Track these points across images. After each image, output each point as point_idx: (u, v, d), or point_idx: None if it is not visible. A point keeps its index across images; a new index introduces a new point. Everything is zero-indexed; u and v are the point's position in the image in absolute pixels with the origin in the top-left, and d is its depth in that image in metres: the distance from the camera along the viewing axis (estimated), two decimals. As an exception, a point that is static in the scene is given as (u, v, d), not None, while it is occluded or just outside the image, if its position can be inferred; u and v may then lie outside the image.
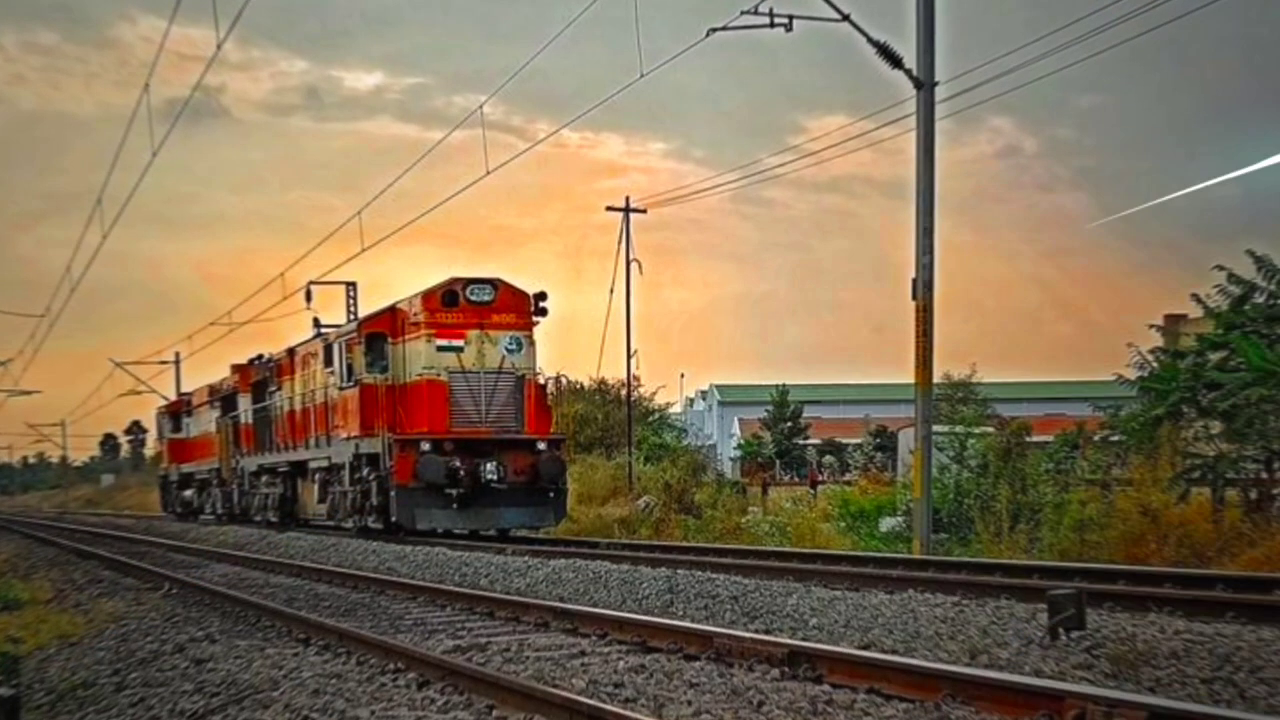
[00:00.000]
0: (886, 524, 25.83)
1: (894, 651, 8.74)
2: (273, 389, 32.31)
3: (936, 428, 21.24)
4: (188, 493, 44.31)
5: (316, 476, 28.48)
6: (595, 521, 28.80)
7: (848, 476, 48.20)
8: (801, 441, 73.40)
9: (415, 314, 24.50)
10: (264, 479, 33.24)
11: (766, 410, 75.36)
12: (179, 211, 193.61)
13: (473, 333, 24.16)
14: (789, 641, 8.66)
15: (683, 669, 8.35)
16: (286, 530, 29.37)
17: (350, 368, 25.62)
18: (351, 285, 33.80)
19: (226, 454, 37.31)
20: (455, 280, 24.43)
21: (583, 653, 9.35)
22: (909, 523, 21.65)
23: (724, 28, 19.81)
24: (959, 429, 25.63)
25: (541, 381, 25.00)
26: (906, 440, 27.53)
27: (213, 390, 40.33)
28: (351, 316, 31.07)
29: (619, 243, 37.71)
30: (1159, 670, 7.66)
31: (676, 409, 72.11)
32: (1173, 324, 24.12)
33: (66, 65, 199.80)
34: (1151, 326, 22.62)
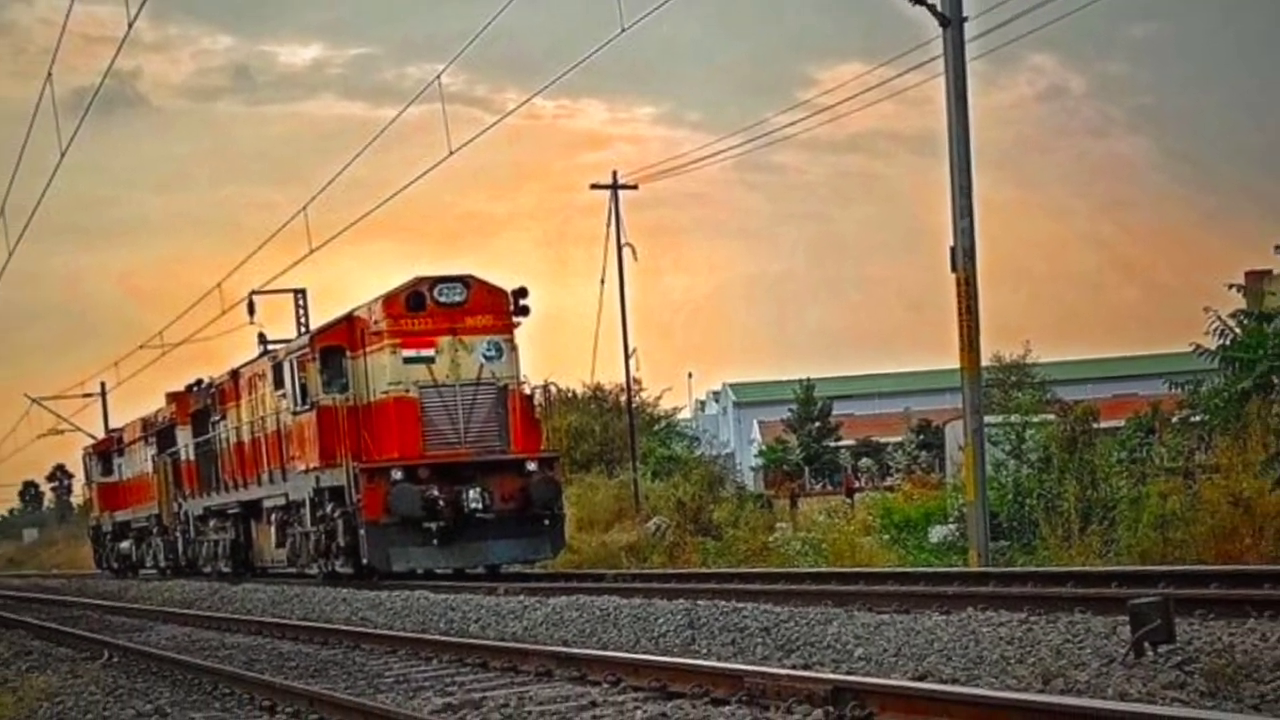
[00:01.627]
0: (937, 534, 25.85)
1: (954, 681, 8.74)
2: (216, 418, 32.34)
3: (988, 419, 21.27)
4: (124, 544, 44.31)
5: (273, 517, 28.49)
6: (599, 550, 28.82)
7: (889, 481, 48.30)
8: (833, 444, 73.52)
9: (376, 322, 24.50)
10: (212, 523, 33.26)
11: (790, 410, 75.47)
12: (96, 218, 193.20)
13: (444, 340, 24.15)
14: (832, 677, 8.66)
15: (710, 716, 8.36)
16: (241, 581, 29.40)
17: (304, 389, 25.62)
18: (300, 293, 33.92)
19: (167, 497, 37.33)
20: (421, 280, 24.43)
21: (593, 703, 9.35)
22: (963, 531, 21.67)
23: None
24: (1015, 419, 25.67)
25: (527, 391, 24.99)
26: (955, 435, 27.55)
27: (146, 424, 40.35)
28: (302, 329, 31.12)
29: (608, 225, 37.75)
30: (1263, 685, 7.66)
31: (686, 414, 72.32)
32: (1255, 282, 24.17)
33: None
34: (1231, 286, 22.70)
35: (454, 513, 23.17)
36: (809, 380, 75.25)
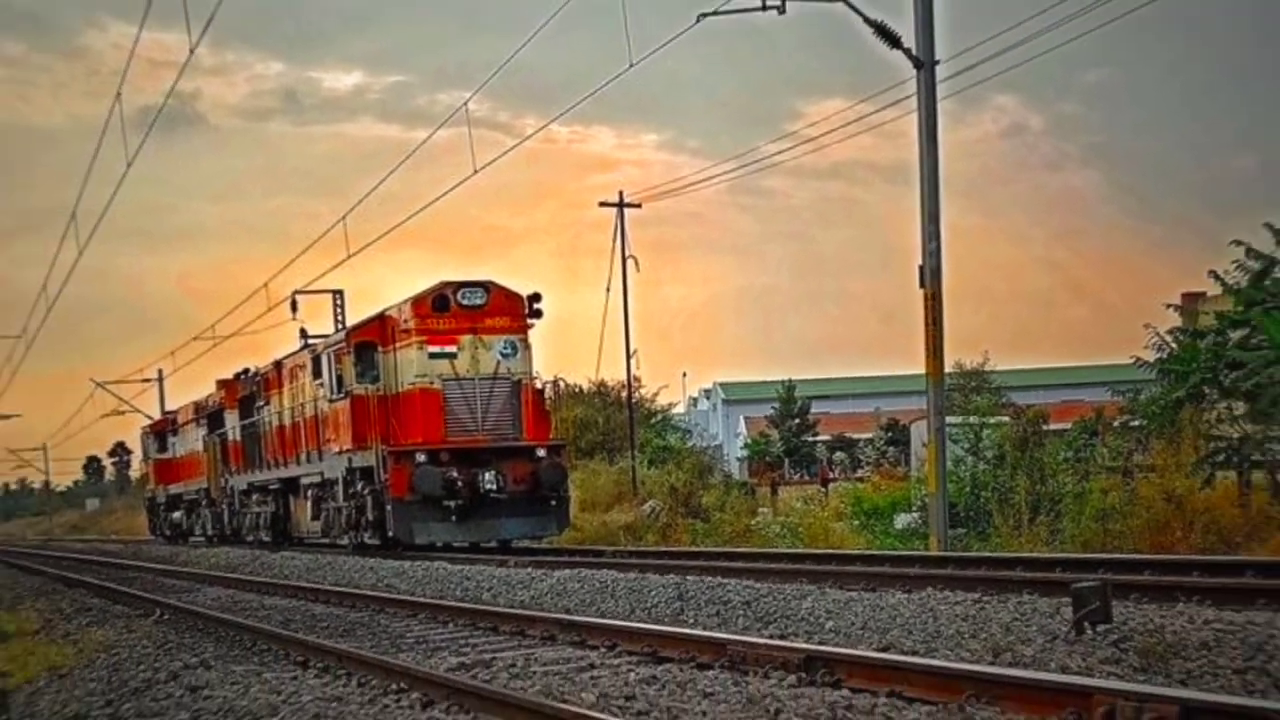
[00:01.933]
0: (901, 521, 25.83)
1: (914, 652, 8.75)
2: (260, 404, 32.32)
3: (950, 419, 21.24)
4: (176, 514, 44.31)
5: (309, 493, 28.49)
6: (599, 529, 28.80)
7: (860, 473, 48.20)
8: (810, 438, 73.36)
9: (405, 321, 24.51)
10: (255, 497, 33.25)
11: (773, 407, 75.32)
12: (157, 224, 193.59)
13: (465, 338, 24.16)
14: (805, 646, 8.66)
15: (696, 678, 8.36)
16: (280, 550, 29.38)
17: (340, 379, 25.64)
18: (338, 294, 33.87)
19: (215, 473, 37.32)
20: (446, 284, 24.44)
21: (592, 665, 9.35)
22: (925, 519, 21.65)
23: (715, 13, 19.80)
24: (973, 419, 25.63)
25: (539, 386, 25.00)
26: (919, 433, 27.52)
27: (198, 407, 40.33)
28: (339, 326, 31.10)
29: (614, 239, 37.75)
30: (1190, 662, 7.66)
31: (680, 409, 72.22)
32: (1191, 303, 24.12)
33: (33, 76, 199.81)
34: (1169, 306, 22.66)
35: (471, 493, 23.20)
36: (790, 381, 75.12)
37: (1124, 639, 8.33)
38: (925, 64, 18.93)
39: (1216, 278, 20.12)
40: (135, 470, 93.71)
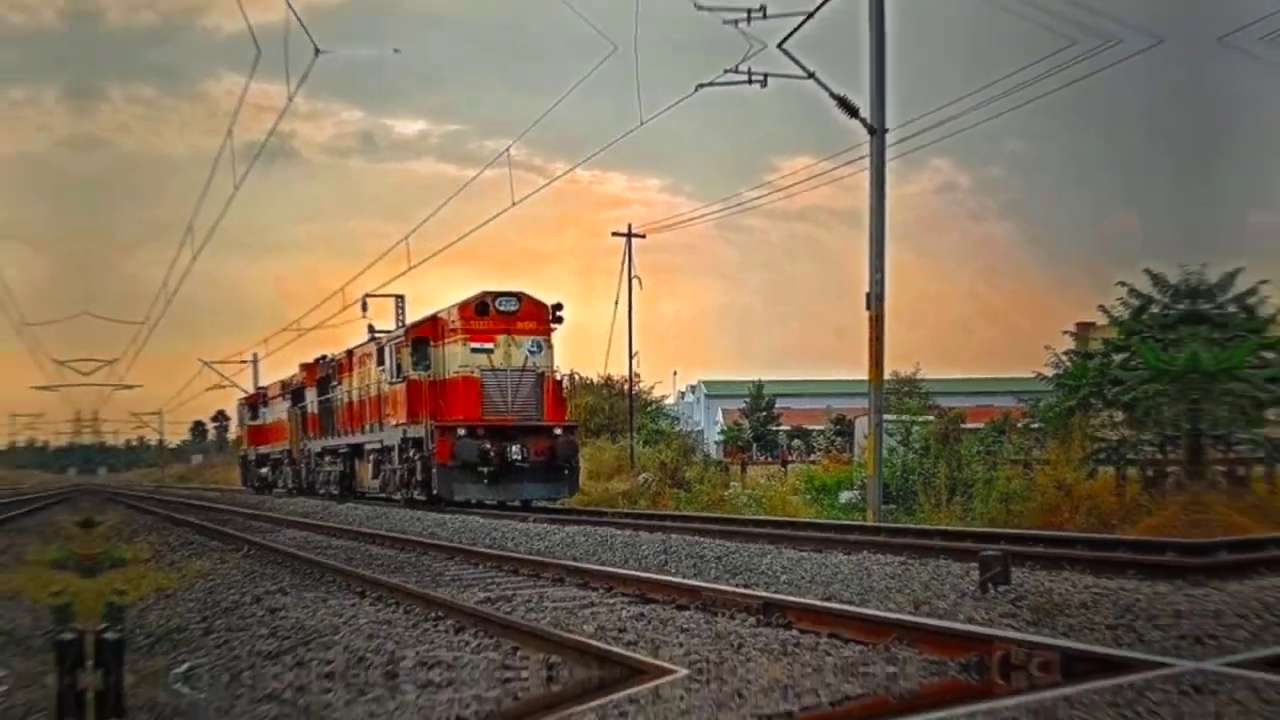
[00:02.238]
0: (845, 497, 25.80)
1: (851, 603, 8.74)
2: (334, 384, 32.31)
3: (887, 416, 21.23)
4: (263, 470, 44.27)
5: (371, 457, 28.49)
6: (602, 494, 28.78)
7: (813, 457, 48.14)
8: (774, 428, 73.31)
9: (453, 322, 24.52)
10: (327, 459, 33.24)
11: (745, 402, 75.24)
12: (257, 238, 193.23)
13: (501, 337, 24.18)
14: (764, 594, 8.66)
15: (675, 617, 8.35)
16: (345, 502, 29.36)
17: (399, 366, 25.66)
18: (400, 298, 33.77)
19: (296, 438, 37.29)
20: (486, 294, 24.46)
21: (592, 603, 9.34)
22: (864, 496, 21.65)
23: (710, 84, 19.84)
24: (905, 418, 25.62)
25: (558, 378, 24.99)
26: (862, 427, 27.52)
27: (284, 385, 40.30)
28: (400, 324, 31.06)
29: (623, 263, 37.67)
30: (1071, 618, 7.66)
31: (670, 401, 72.13)
32: (1083, 330, 24.10)
33: (163, 115, 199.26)
34: (1066, 332, 22.68)
35: (501, 461, 23.20)
36: (760, 381, 75.04)
37: (1020, 598, 8.33)
38: (877, 130, 18.92)
39: (1104, 311, 20.11)
40: (232, 434, 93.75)
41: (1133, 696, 5.47)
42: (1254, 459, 17.20)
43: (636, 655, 6.61)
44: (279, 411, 40.73)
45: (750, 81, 19.51)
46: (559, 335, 24.99)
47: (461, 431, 23.25)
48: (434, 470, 23.56)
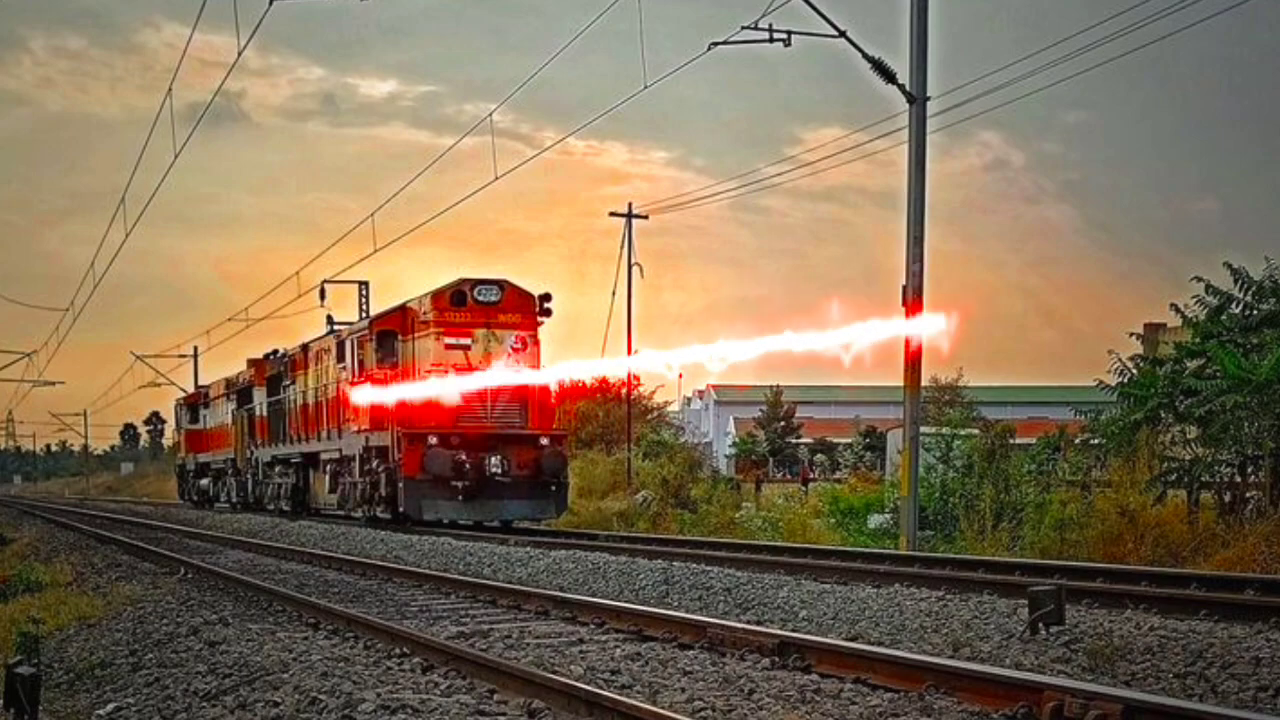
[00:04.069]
0: (874, 520, 25.79)
1: (880, 643, 8.74)
2: (287, 383, 32.30)
3: (924, 429, 21.24)
4: (204, 481, 44.29)
5: (328, 468, 28.48)
6: (595, 514, 28.77)
7: (838, 475, 48.17)
8: (794, 440, 73.31)
9: (425, 313, 24.49)
10: (277, 469, 33.23)
11: (760, 410, 75.27)
12: (199, 211, 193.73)
13: (480, 331, 24.16)
14: (779, 632, 8.66)
15: (677, 657, 8.35)
16: (298, 519, 29.37)
17: (362, 363, 25.65)
18: (364, 284, 33.79)
19: (241, 445, 37.30)
20: (463, 281, 24.42)
21: (581, 640, 9.34)
22: (896, 520, 21.64)
23: (725, 42, 19.80)
24: (945, 430, 25.58)
25: (545, 379, 24.98)
26: (895, 441, 27.52)
27: (229, 383, 40.32)
28: (363, 314, 31.05)
29: (621, 247, 37.66)
30: (1134, 665, 7.66)
31: (674, 408, 72.10)
32: (1152, 332, 24.07)
33: (93, 69, 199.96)
34: (1131, 334, 22.58)
35: (477, 475, 23.19)
36: (778, 387, 75.04)
37: (1075, 640, 8.33)
38: (918, 99, 18.92)
39: (1177, 310, 20.08)
40: (168, 439, 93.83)
41: (1204, 756, 5.46)
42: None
43: (631, 701, 6.60)
44: (222, 414, 40.73)
45: (771, 40, 19.49)
46: (547, 330, 25.01)
47: (433, 440, 23.24)
48: (400, 484, 23.56)
